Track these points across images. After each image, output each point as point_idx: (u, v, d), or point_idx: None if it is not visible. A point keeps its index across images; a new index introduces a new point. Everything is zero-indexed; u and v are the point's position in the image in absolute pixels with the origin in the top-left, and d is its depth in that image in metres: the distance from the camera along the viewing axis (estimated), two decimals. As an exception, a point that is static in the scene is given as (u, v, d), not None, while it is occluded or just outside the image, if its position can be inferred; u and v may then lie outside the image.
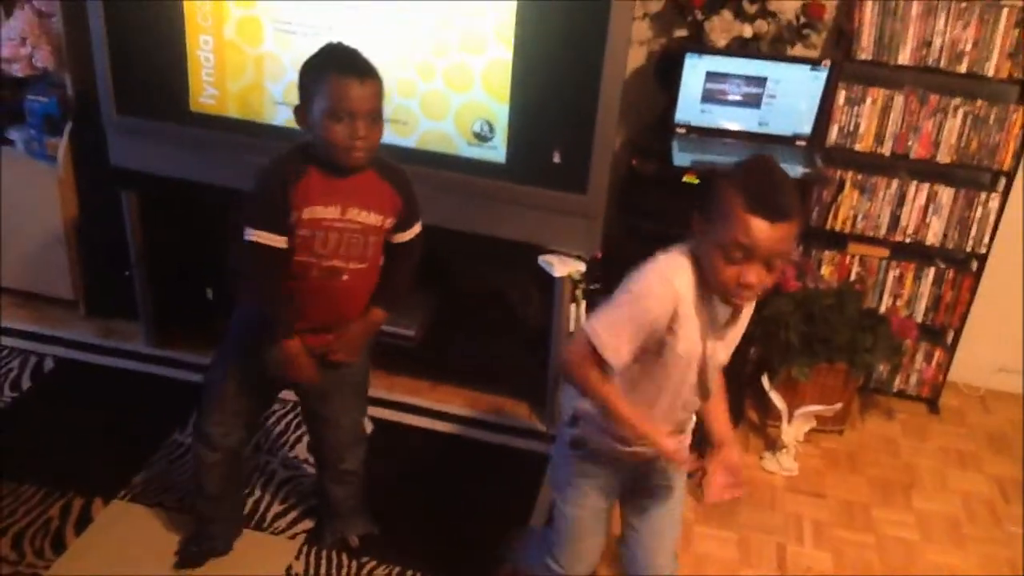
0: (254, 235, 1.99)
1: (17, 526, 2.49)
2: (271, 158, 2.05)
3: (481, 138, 2.67)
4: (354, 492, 2.48)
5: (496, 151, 2.67)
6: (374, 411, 3.06)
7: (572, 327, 2.87)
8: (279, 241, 2.00)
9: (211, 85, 2.79)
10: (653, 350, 1.71)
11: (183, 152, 2.92)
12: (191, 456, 2.43)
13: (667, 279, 1.66)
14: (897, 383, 3.41)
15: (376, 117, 1.95)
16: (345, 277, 2.08)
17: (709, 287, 1.66)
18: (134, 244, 3.20)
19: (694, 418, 1.94)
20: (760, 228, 1.55)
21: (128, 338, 3.36)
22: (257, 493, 2.68)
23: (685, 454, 1.81)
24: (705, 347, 1.73)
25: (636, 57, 3.19)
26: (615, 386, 1.75)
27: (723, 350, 1.79)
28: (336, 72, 1.92)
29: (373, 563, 2.48)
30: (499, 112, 2.62)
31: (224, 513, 2.47)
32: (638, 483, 2.00)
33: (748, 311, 1.82)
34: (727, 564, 2.63)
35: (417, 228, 2.19)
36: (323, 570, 2.46)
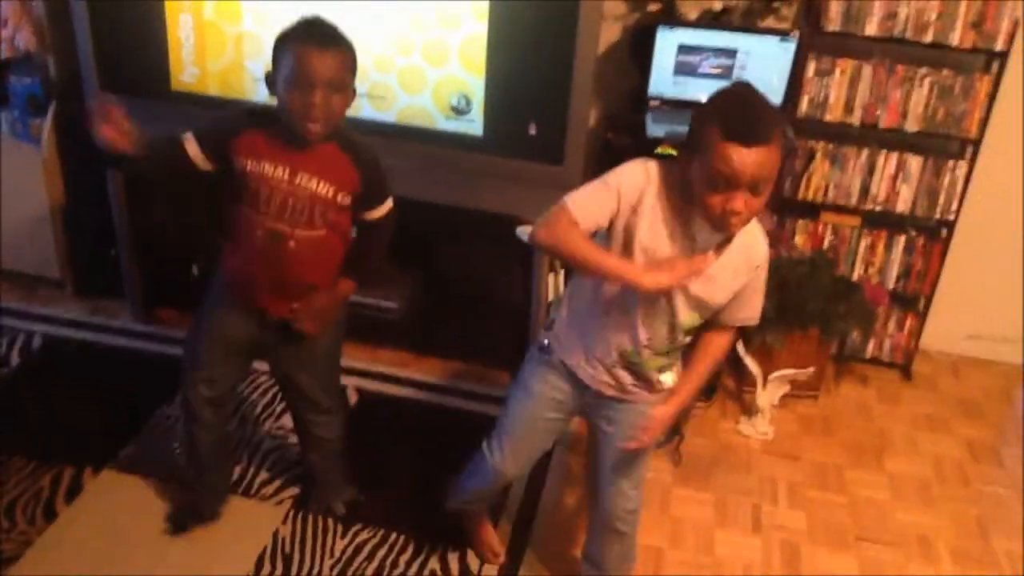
0: (186, 141, 2.06)
1: (9, 496, 2.54)
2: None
3: (459, 112, 2.73)
4: (333, 461, 2.54)
5: (473, 124, 2.73)
6: (359, 382, 3.13)
7: (551, 296, 2.93)
8: (200, 160, 2.06)
9: (192, 64, 2.83)
10: (621, 241, 1.77)
11: (165, 130, 2.94)
12: (179, 426, 2.48)
13: (639, 165, 1.77)
14: (870, 350, 3.49)
15: (337, 87, 1.94)
16: (292, 243, 2.09)
17: (699, 212, 1.70)
18: (120, 223, 3.24)
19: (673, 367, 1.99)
20: (739, 154, 1.58)
21: (115, 316, 3.42)
22: (244, 461, 2.74)
23: (659, 282, 1.71)
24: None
25: (611, 33, 3.24)
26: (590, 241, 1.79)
27: (703, 286, 1.80)
28: (298, 40, 1.94)
29: (358, 527, 2.55)
30: (475, 86, 2.68)
31: (212, 481, 2.52)
32: (590, 413, 2.08)
33: (747, 259, 1.82)
34: (703, 524, 2.70)
35: (387, 207, 2.18)
36: (309, 534, 2.52)
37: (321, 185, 2.05)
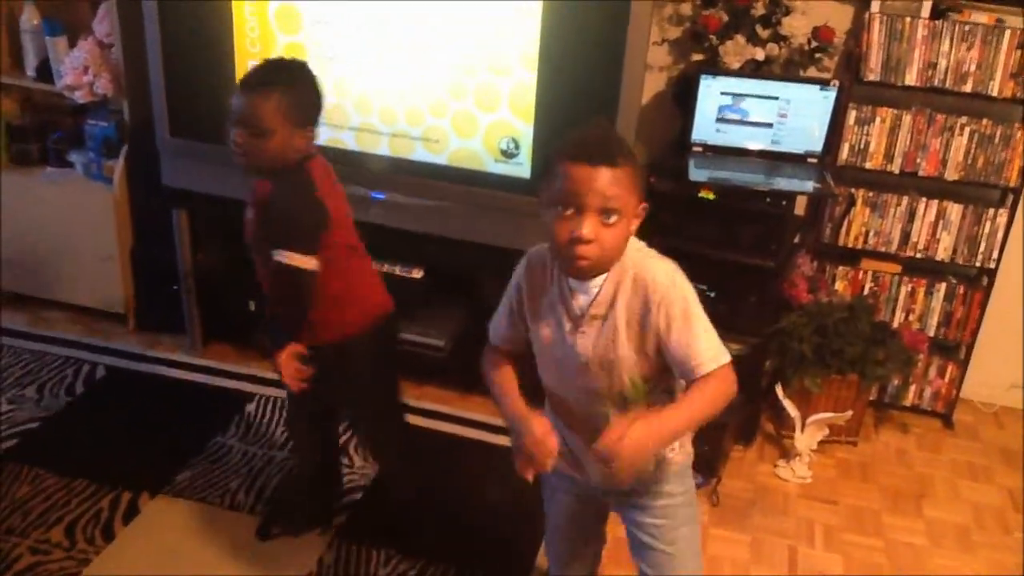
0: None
1: (70, 516, 2.65)
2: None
3: (508, 155, 2.84)
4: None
5: (522, 167, 2.84)
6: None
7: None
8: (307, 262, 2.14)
9: (256, 108, 2.99)
10: (532, 334, 1.79)
11: (230, 171, 3.09)
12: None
13: (521, 263, 1.80)
14: (911, 398, 3.49)
15: (258, 130, 2.01)
16: (264, 271, 2.20)
17: (558, 264, 1.68)
18: (182, 260, 3.40)
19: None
20: (582, 172, 1.53)
21: (175, 349, 3.56)
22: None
23: (546, 446, 1.66)
24: (568, 337, 1.70)
25: (656, 82, 3.35)
26: (509, 376, 1.84)
27: (609, 346, 1.67)
28: (238, 83, 2.09)
29: (399, 557, 2.60)
30: (524, 131, 2.79)
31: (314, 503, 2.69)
32: (623, 511, 1.93)
33: (645, 299, 1.64)
34: (739, 564, 2.72)
35: (291, 260, 2.10)
36: (352, 562, 2.59)
37: (250, 217, 2.21)
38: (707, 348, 1.63)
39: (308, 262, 2.11)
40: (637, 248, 1.69)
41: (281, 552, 2.60)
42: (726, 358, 1.65)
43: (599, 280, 1.67)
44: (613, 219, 1.55)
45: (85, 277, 3.65)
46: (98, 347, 3.55)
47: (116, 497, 2.74)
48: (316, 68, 2.83)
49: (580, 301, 1.69)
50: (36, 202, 3.55)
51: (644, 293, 1.65)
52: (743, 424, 3.20)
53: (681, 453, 1.86)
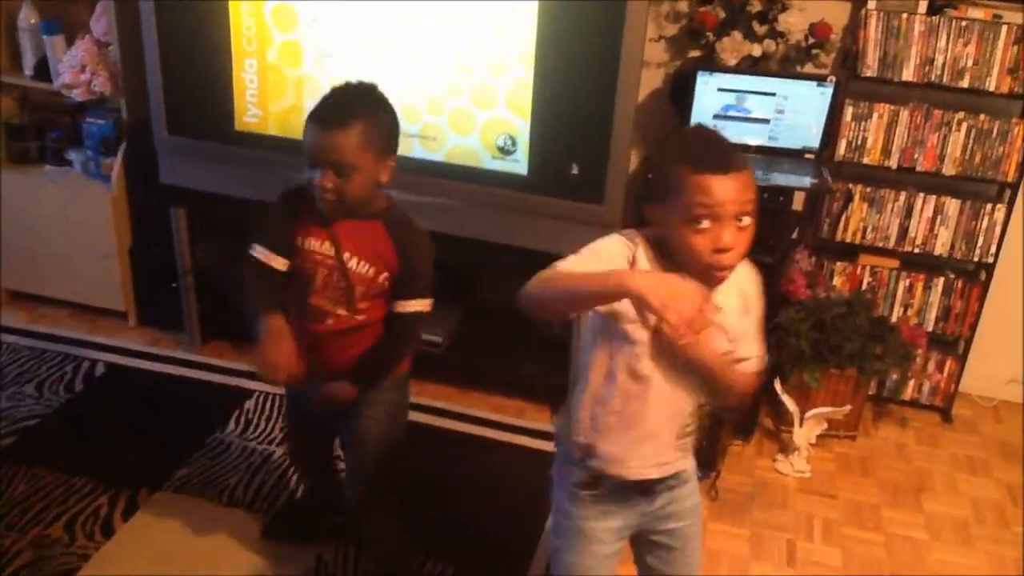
0: (255, 252, 2.03)
1: (70, 513, 2.66)
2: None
3: (504, 152, 2.85)
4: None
5: (518, 164, 2.85)
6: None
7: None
8: (278, 263, 2.03)
9: (254, 105, 3.00)
10: (605, 325, 1.66)
11: (228, 169, 3.13)
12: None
13: (617, 235, 1.65)
14: (910, 392, 3.50)
15: (344, 169, 1.87)
16: (330, 321, 2.04)
17: (685, 266, 1.57)
18: (181, 258, 3.41)
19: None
20: (716, 183, 1.51)
21: (174, 346, 3.57)
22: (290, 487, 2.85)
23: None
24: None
25: (653, 79, 3.36)
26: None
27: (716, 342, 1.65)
28: (310, 116, 1.91)
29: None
30: (521, 128, 2.80)
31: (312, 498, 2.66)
32: (651, 523, 1.87)
33: (745, 294, 1.68)
34: (738, 558, 2.73)
35: (417, 305, 2.05)
36: (351, 558, 2.59)
37: (362, 265, 2.00)
38: (757, 350, 1.73)
39: (430, 304, 2.07)
40: None
41: (280, 549, 2.60)
42: (759, 367, 1.74)
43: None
44: (746, 222, 1.55)
45: (84, 275, 3.65)
46: (98, 344, 3.55)
47: (115, 494, 2.74)
48: (312, 66, 2.89)
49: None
50: (35, 200, 3.56)
51: (743, 297, 1.69)
52: (742, 419, 3.20)
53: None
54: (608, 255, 1.61)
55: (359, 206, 1.95)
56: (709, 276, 1.57)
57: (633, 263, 1.60)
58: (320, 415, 2.24)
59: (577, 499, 1.83)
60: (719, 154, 1.54)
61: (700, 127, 1.68)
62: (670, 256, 1.60)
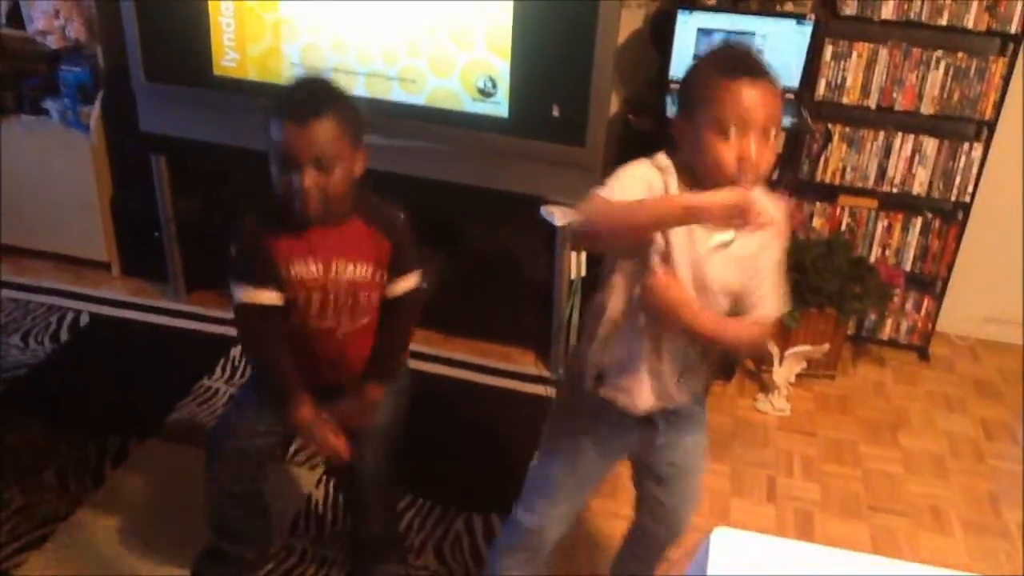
0: (243, 295, 1.89)
1: (60, 460, 2.68)
2: (241, 216, 1.93)
3: (485, 94, 2.84)
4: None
5: (499, 106, 2.84)
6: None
7: (574, 275, 3.04)
8: (272, 298, 1.89)
9: (232, 49, 2.97)
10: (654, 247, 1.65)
11: (207, 115, 3.11)
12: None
13: (645, 160, 1.65)
14: (888, 332, 3.55)
15: (326, 162, 1.76)
16: (340, 335, 1.96)
17: (709, 182, 1.55)
18: (163, 206, 3.40)
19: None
20: (746, 90, 1.51)
21: (158, 296, 3.57)
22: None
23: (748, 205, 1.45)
24: (699, 256, 1.64)
25: (633, 21, 3.33)
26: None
27: (727, 267, 1.66)
28: (279, 117, 1.77)
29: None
30: (502, 69, 2.79)
31: (234, 547, 2.31)
32: (650, 452, 1.92)
33: (764, 235, 1.61)
34: (719, 493, 2.79)
35: (410, 281, 1.99)
36: (341, 498, 2.63)
37: (359, 269, 1.91)
38: (770, 299, 1.70)
39: (420, 276, 2.01)
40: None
41: (272, 491, 2.61)
42: (776, 315, 1.72)
43: None
44: (771, 136, 1.54)
45: (66, 226, 3.64)
46: (82, 295, 3.55)
47: (104, 442, 2.77)
48: (289, 9, 2.86)
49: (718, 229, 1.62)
50: (12, 151, 3.53)
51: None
52: (723, 360, 3.24)
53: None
54: (645, 179, 1.62)
55: (340, 203, 1.83)
56: (734, 182, 1.53)
57: (665, 189, 1.61)
58: (288, 433, 2.12)
59: (575, 411, 1.89)
60: (750, 64, 1.55)
61: (730, 42, 1.67)
62: (699, 182, 1.59)
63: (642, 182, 1.61)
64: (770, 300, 1.70)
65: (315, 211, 1.79)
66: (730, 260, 1.65)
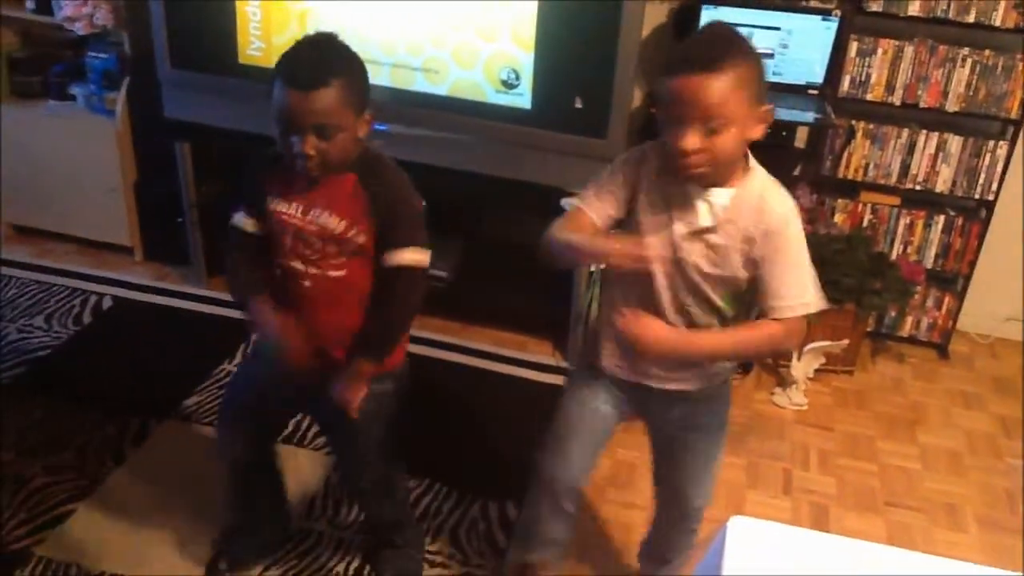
0: (234, 218, 1.98)
1: (80, 440, 2.72)
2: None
3: (508, 85, 2.85)
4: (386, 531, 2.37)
5: (522, 98, 2.85)
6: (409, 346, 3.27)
7: (593, 266, 3.04)
8: (252, 225, 1.96)
9: (258, 38, 3.00)
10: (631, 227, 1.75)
11: (232, 103, 3.13)
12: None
13: (635, 148, 1.76)
14: (908, 329, 3.54)
15: (327, 130, 1.74)
16: (307, 283, 1.92)
17: (671, 170, 1.64)
18: (186, 192, 3.43)
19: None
20: (683, 84, 1.52)
21: (180, 281, 3.61)
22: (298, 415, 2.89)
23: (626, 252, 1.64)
24: (677, 243, 1.69)
25: (657, 15, 3.34)
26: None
27: (703, 254, 1.70)
28: (282, 80, 1.75)
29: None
30: (525, 61, 2.80)
31: (252, 528, 2.36)
32: (663, 426, 1.99)
33: (756, 223, 1.66)
34: (735, 486, 2.80)
35: (408, 256, 1.87)
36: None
37: (332, 219, 1.86)
38: (788, 295, 1.67)
39: (426, 257, 1.91)
40: (769, 176, 1.72)
41: (290, 475, 2.64)
42: (801, 311, 1.68)
43: (723, 193, 1.67)
44: (717, 127, 1.54)
45: (90, 210, 3.68)
46: (105, 279, 3.59)
47: (125, 422, 2.80)
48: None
49: (701, 214, 1.68)
50: (39, 135, 3.57)
51: (758, 217, 1.67)
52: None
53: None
54: (620, 166, 1.75)
55: (341, 164, 1.83)
56: (676, 173, 1.63)
57: (638, 177, 1.73)
58: (285, 399, 2.14)
59: (590, 367, 1.98)
60: (696, 52, 1.56)
61: (714, 24, 1.67)
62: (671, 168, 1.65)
63: (623, 177, 1.74)
64: (784, 295, 1.67)
65: (315, 172, 1.81)
66: (706, 247, 1.70)
